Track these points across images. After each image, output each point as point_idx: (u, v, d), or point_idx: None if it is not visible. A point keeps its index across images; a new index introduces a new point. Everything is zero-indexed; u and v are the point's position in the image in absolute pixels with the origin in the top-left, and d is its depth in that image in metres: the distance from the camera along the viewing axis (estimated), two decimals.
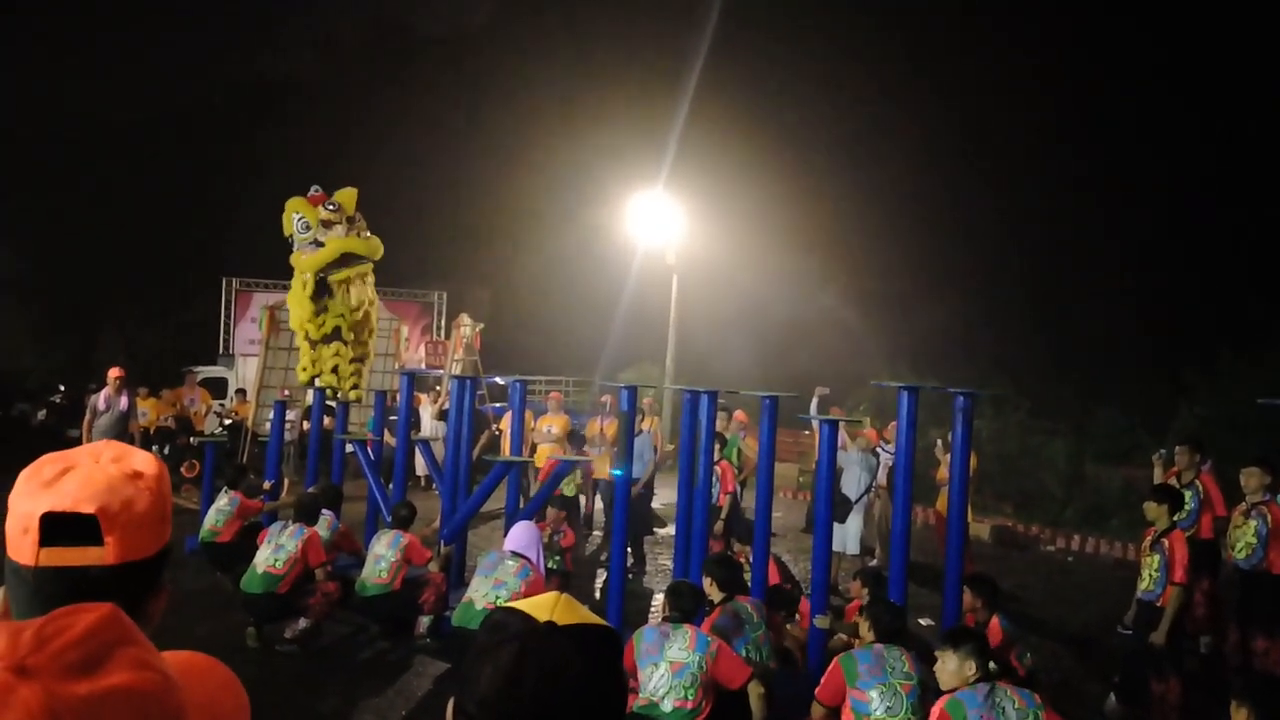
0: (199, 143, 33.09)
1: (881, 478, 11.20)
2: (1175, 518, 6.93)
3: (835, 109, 28.52)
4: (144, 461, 1.39)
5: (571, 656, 1.19)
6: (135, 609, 1.29)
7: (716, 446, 9.23)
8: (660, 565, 11.08)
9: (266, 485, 10.52)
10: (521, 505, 9.57)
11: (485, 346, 19.84)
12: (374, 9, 39.73)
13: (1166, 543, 6.66)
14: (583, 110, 31.10)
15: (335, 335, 11.57)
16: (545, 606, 1.24)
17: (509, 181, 32.38)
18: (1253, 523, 7.67)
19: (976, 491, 12.89)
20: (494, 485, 8.52)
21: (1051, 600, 10.76)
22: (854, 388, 19.08)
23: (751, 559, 7.26)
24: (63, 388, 23.53)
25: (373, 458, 9.92)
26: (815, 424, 7.82)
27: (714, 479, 8.96)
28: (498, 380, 17.94)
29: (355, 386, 11.86)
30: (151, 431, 16.28)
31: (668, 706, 4.92)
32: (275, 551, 7.65)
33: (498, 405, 17.16)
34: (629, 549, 9.42)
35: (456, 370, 17.14)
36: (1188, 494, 8.26)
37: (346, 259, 11.11)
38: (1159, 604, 6.61)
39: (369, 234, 11.40)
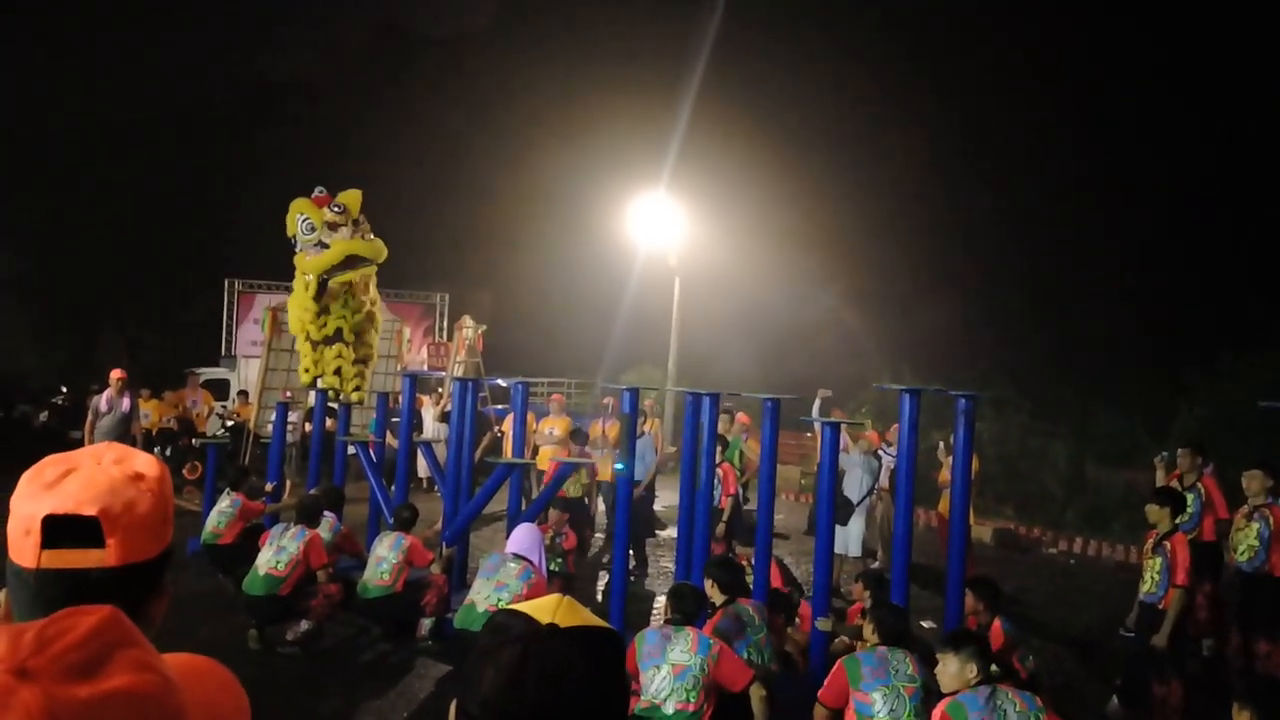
0: (200, 143, 33.11)
1: (884, 480, 11.20)
2: (1177, 520, 6.93)
3: (837, 110, 28.56)
4: (146, 463, 1.39)
5: (574, 658, 1.19)
6: (137, 611, 1.29)
7: (718, 449, 9.23)
8: (662, 567, 11.08)
9: (268, 487, 10.52)
10: (524, 507, 9.57)
11: (487, 348, 19.88)
12: (376, 11, 39.75)
13: (1168, 545, 6.66)
14: (585, 112, 31.12)
15: (337, 336, 11.56)
16: (548, 609, 1.24)
17: (511, 183, 32.41)
18: (1255, 525, 7.66)
19: (978, 494, 12.91)
20: (496, 487, 8.52)
21: (1053, 603, 10.75)
22: (856, 390, 19.10)
23: (753, 561, 7.26)
24: (64, 389, 23.54)
25: (375, 459, 9.91)
26: (817, 426, 7.82)
27: (715, 481, 8.96)
28: (500, 382, 17.93)
29: (358, 388, 11.86)
30: (153, 433, 16.28)
31: (670, 709, 4.92)
32: (277, 553, 7.65)
33: (500, 407, 17.15)
34: (631, 551, 9.42)
35: (459, 372, 17.17)
36: (1190, 497, 8.25)
37: (351, 261, 11.10)
38: (1161, 606, 6.61)
39: (372, 236, 11.39)
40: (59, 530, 1.28)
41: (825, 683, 4.92)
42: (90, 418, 12.34)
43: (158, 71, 33.26)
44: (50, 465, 1.33)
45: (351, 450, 10.89)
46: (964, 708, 4.19)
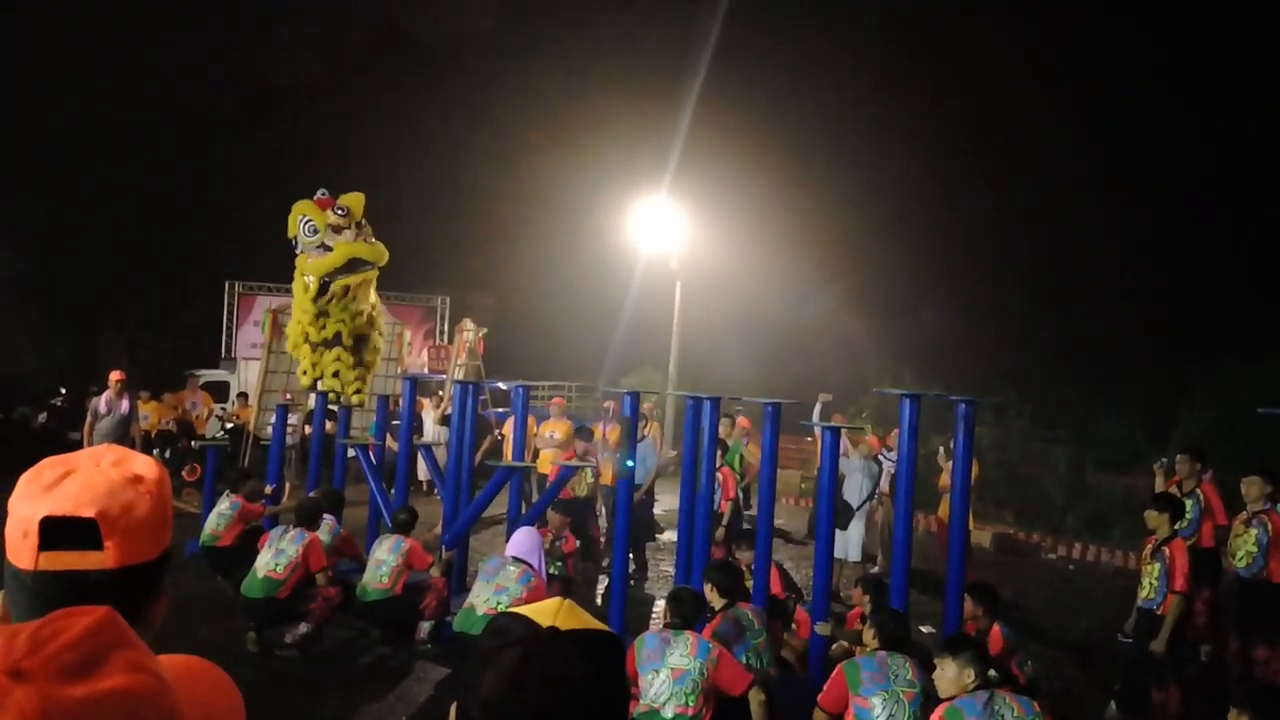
0: (200, 145, 33.12)
1: (884, 485, 11.20)
2: (1176, 526, 6.93)
3: (837, 113, 28.52)
4: (145, 465, 1.39)
5: (574, 662, 1.19)
6: (135, 613, 1.29)
7: (718, 452, 9.23)
8: (662, 571, 11.07)
9: (268, 490, 10.52)
10: (523, 511, 9.57)
11: (488, 351, 19.89)
12: (379, 13, 39.84)
13: (1167, 551, 6.66)
14: (586, 115, 31.12)
15: (336, 340, 11.57)
16: (549, 612, 1.24)
17: (512, 186, 32.41)
18: (1253, 531, 7.66)
19: (978, 499, 12.91)
20: (496, 491, 8.52)
21: (1052, 608, 10.75)
22: (856, 394, 19.10)
23: (753, 566, 7.25)
24: (63, 390, 23.53)
25: (375, 462, 9.91)
26: (817, 431, 7.82)
27: (715, 485, 8.96)
28: (500, 385, 17.94)
29: (358, 391, 11.86)
30: (152, 435, 16.28)
31: (669, 713, 4.92)
32: (276, 556, 7.65)
33: (500, 410, 17.15)
34: (630, 555, 9.42)
35: (459, 375, 17.17)
36: (1189, 502, 8.25)
37: (353, 264, 11.11)
38: (1159, 612, 6.61)
39: (374, 239, 11.40)
40: (57, 532, 1.28)
41: (825, 688, 4.92)
42: (89, 419, 12.33)
43: (158, 72, 33.37)
44: (49, 467, 1.33)
45: (351, 453, 10.89)
46: (961, 712, 4.19)
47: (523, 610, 1.26)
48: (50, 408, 21.27)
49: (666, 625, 5.37)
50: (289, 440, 13.26)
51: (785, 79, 29.79)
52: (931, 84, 28.43)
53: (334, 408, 11.81)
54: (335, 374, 11.61)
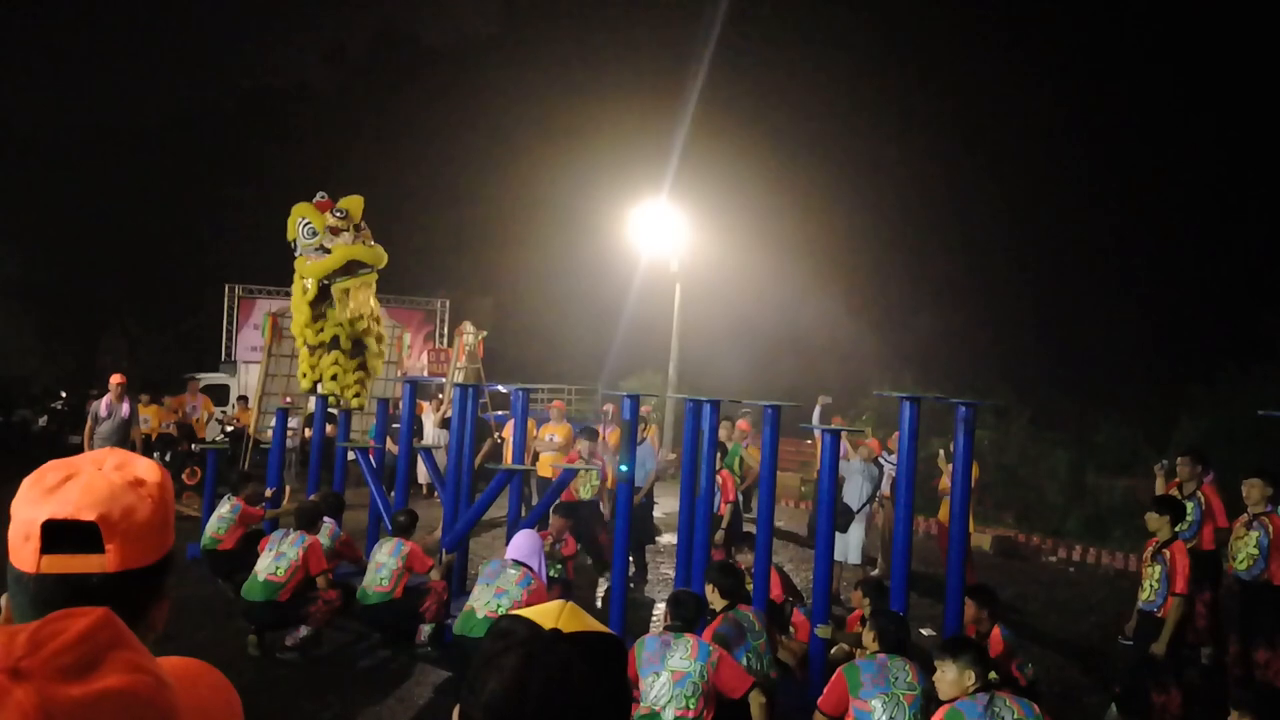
0: (202, 149, 33.19)
1: (885, 488, 11.20)
2: (1177, 529, 6.93)
3: (838, 117, 28.54)
4: (147, 469, 1.39)
5: (577, 664, 1.19)
6: (138, 616, 1.30)
7: (718, 455, 9.23)
8: (662, 574, 11.07)
9: (269, 493, 10.52)
10: (523, 514, 9.57)
11: (488, 354, 19.91)
12: (380, 19, 39.88)
13: (1168, 553, 6.66)
14: (586, 119, 31.15)
15: (334, 344, 11.56)
16: (551, 614, 1.25)
17: (512, 189, 32.43)
18: (1254, 534, 7.66)
19: (978, 501, 12.90)
20: (496, 493, 8.52)
21: (1052, 611, 10.74)
22: (857, 397, 19.11)
23: (753, 568, 7.25)
24: (64, 394, 23.55)
25: (375, 465, 9.91)
26: (817, 433, 7.82)
27: (714, 488, 8.96)
28: (500, 388, 17.95)
29: (357, 395, 11.86)
30: (153, 438, 16.26)
31: (669, 716, 4.91)
32: (276, 559, 7.65)
33: (500, 413, 17.16)
34: (630, 558, 9.41)
35: (459, 378, 17.17)
36: (1189, 505, 8.26)
37: (352, 267, 11.12)
38: (1160, 615, 6.61)
39: (373, 242, 11.41)
40: (58, 535, 1.28)
41: (825, 691, 4.91)
42: (90, 423, 12.33)
43: (161, 76, 33.43)
44: (51, 470, 1.34)
45: (351, 456, 10.89)
46: (962, 715, 4.19)
47: (526, 613, 1.27)
48: (51, 411, 21.27)
49: (667, 628, 5.37)
50: (289, 443, 13.26)
51: (785, 83, 29.80)
52: (933, 89, 28.46)
53: (334, 411, 11.81)
54: (334, 377, 11.61)
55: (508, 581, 6.81)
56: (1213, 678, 8.08)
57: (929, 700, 4.65)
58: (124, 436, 12.22)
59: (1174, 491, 8.47)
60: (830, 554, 7.08)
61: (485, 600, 6.72)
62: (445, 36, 39.47)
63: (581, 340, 28.90)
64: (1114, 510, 14.93)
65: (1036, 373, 21.53)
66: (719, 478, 9.49)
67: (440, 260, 31.24)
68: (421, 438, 14.62)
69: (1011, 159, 25.60)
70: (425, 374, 20.17)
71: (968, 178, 26.38)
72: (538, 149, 31.56)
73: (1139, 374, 21.08)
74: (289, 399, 13.38)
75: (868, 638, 5.15)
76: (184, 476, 15.45)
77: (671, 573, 9.55)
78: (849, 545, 10.54)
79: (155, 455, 15.33)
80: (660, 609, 9.07)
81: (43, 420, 20.67)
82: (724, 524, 9.77)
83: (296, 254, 11.32)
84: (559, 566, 8.94)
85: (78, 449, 14.56)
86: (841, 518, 9.79)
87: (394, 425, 12.04)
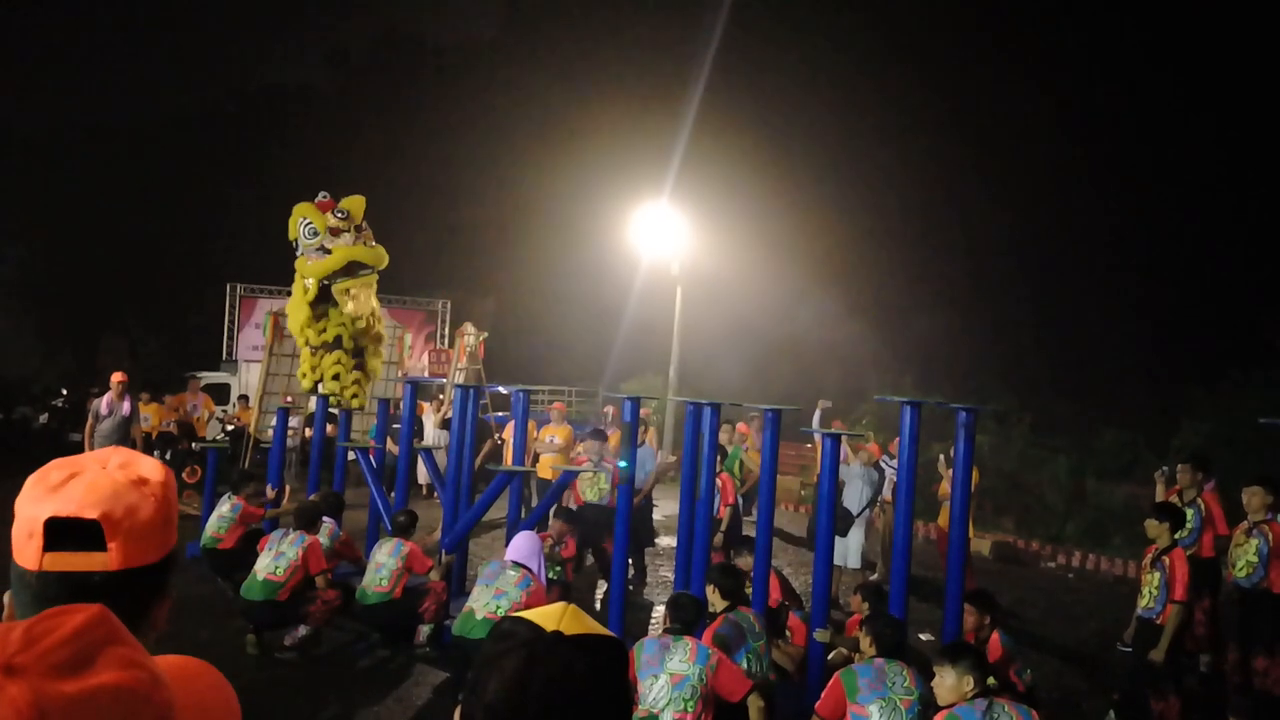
0: (204, 149, 33.22)
1: (886, 492, 11.19)
2: (1177, 535, 6.93)
3: (840, 121, 28.54)
4: (150, 468, 1.40)
5: (577, 666, 1.20)
6: (140, 615, 1.30)
7: (718, 458, 9.23)
8: (661, 577, 11.06)
9: (270, 493, 10.52)
10: (523, 515, 9.57)
11: (489, 355, 19.92)
12: (383, 20, 39.91)
13: (1167, 560, 6.66)
14: (588, 121, 31.18)
15: (336, 344, 11.57)
16: (553, 616, 1.25)
17: (514, 191, 32.47)
18: (1254, 541, 7.65)
19: (978, 507, 12.89)
20: (496, 495, 8.52)
21: (1052, 617, 10.74)
22: (857, 401, 19.11)
23: (752, 572, 7.25)
24: (65, 392, 23.55)
25: (375, 465, 9.91)
26: (818, 437, 7.82)
27: (714, 491, 8.96)
28: (500, 389, 17.95)
29: (356, 395, 11.86)
30: (153, 436, 16.26)
31: (667, 718, 4.91)
32: (276, 559, 7.65)
33: (500, 414, 17.16)
34: (630, 560, 9.41)
35: (460, 379, 17.18)
36: (1189, 512, 8.26)
37: (353, 267, 11.12)
38: (1159, 621, 6.61)
39: (375, 243, 11.41)
40: (61, 533, 1.29)
41: (822, 695, 4.91)
42: (90, 421, 12.32)
43: (162, 76, 33.46)
44: (55, 469, 1.34)
45: (351, 456, 10.90)
46: None
47: (527, 615, 1.27)
48: (52, 409, 21.28)
49: (666, 631, 5.37)
50: (290, 443, 13.26)
51: (788, 87, 29.82)
52: (933, 91, 28.46)
53: (335, 411, 11.81)
54: (335, 377, 11.61)
55: (507, 583, 6.80)
56: (1211, 685, 8.07)
57: (926, 705, 4.65)
58: (125, 435, 12.21)
59: (1174, 498, 8.48)
60: (830, 558, 7.07)
61: (484, 601, 6.71)
62: (447, 38, 39.50)
63: (582, 342, 28.92)
64: (1114, 516, 14.92)
65: (1038, 378, 21.52)
66: (718, 481, 9.49)
67: (442, 261, 31.26)
68: (422, 438, 14.62)
69: (1012, 162, 25.58)
70: (426, 375, 20.18)
71: (968, 180, 26.38)
72: (540, 151, 31.59)
73: (1140, 379, 21.07)
74: (290, 398, 13.38)
75: (865, 642, 5.14)
76: (184, 475, 15.45)
77: (671, 575, 9.54)
78: (848, 549, 10.54)
79: (156, 454, 15.34)
80: (660, 612, 9.07)
81: (43, 418, 20.68)
82: (723, 527, 9.76)
83: (298, 254, 11.33)
84: (558, 568, 8.94)
85: (78, 447, 14.58)
86: (841, 522, 9.79)
87: (394, 425, 12.05)
